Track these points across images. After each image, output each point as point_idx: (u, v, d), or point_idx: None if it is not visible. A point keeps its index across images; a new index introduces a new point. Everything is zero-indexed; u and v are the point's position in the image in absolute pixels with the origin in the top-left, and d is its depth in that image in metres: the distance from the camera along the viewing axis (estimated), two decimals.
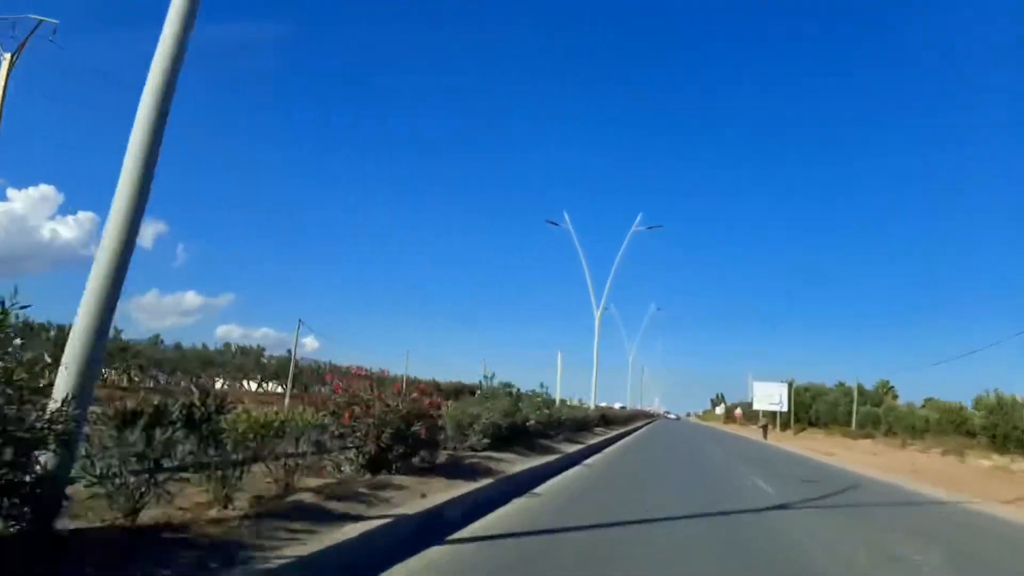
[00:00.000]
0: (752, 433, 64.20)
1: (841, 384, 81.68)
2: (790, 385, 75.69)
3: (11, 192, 73.16)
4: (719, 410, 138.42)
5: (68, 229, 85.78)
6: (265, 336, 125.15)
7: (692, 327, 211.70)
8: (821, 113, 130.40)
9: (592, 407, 34.59)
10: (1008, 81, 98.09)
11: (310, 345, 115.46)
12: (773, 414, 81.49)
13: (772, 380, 75.66)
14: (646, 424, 64.50)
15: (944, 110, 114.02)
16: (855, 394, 63.96)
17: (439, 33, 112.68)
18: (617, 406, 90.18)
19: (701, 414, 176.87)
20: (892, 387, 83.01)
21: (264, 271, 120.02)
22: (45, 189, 78.25)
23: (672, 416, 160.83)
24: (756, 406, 71.89)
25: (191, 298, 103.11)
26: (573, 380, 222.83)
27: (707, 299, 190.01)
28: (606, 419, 34.59)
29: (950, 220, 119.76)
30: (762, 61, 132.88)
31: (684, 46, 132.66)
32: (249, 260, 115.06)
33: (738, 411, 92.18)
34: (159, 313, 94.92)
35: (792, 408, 75.19)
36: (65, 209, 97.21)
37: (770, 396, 70.90)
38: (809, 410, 78.68)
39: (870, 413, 65.31)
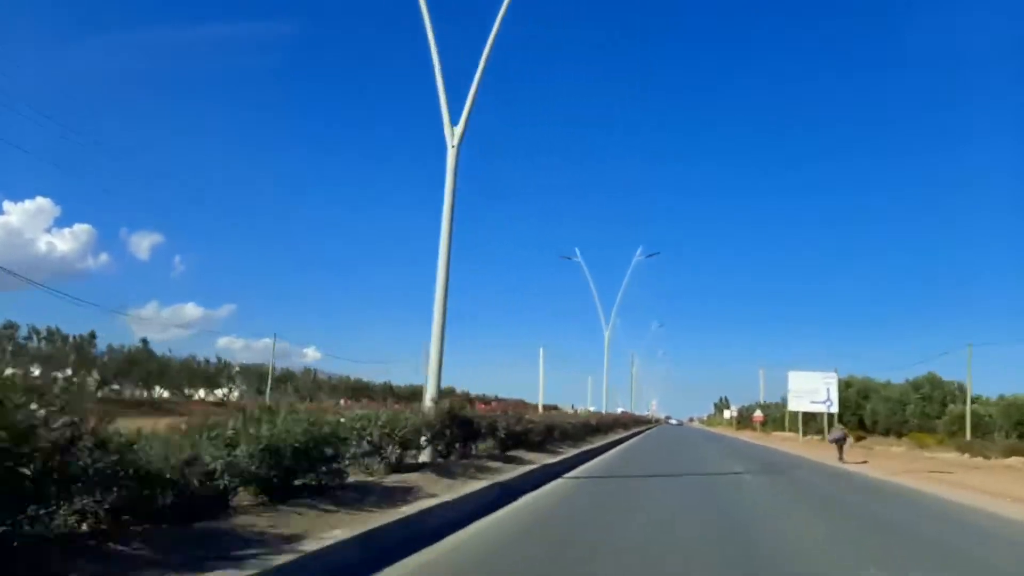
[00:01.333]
0: (791, 446, 41.24)
1: (861, 378, 58.23)
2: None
3: (7, 205, 71.38)
4: (728, 414, 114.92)
5: (64, 242, 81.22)
6: (267, 347, 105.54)
7: (690, 329, 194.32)
8: (819, 112, 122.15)
9: (428, 398, 11.59)
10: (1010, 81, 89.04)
11: (311, 355, 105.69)
12: (814, 416, 59.43)
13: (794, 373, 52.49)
14: (633, 435, 41.39)
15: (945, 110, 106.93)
16: (968, 389, 40.57)
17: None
18: (619, 411, 69.41)
19: (706, 419, 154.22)
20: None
21: (264, 280, 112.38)
22: (41, 201, 73.99)
23: (674, 422, 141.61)
24: (793, 405, 48.75)
25: (191, 310, 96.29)
26: (571, 385, 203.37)
27: (704, 301, 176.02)
28: (460, 426, 11.53)
29: (948, 218, 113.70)
30: (768, 60, 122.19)
31: (683, 45, 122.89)
32: (249, 270, 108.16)
33: (758, 414, 69.05)
34: (159, 325, 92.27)
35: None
36: (62, 222, 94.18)
37: (813, 392, 47.74)
38: (859, 411, 55.80)
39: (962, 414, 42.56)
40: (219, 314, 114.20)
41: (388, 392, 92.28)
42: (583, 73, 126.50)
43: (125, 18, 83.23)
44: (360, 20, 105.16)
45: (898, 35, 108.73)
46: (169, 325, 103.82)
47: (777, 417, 78.73)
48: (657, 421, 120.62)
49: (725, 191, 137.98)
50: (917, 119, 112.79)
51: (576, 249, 41.11)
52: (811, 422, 64.75)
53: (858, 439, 50.00)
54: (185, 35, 74.18)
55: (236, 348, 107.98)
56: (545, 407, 43.97)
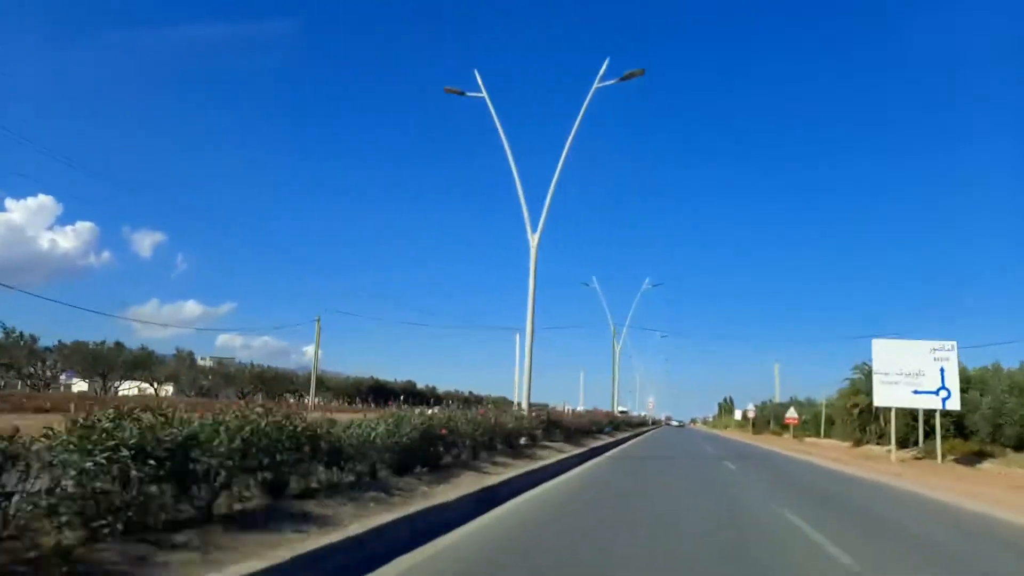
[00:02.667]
0: (908, 473, 20.24)
1: None
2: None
3: (9, 203, 57.75)
4: (740, 414, 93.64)
5: (67, 240, 78.20)
6: (265, 344, 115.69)
7: (690, 329, 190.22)
8: (818, 112, 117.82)
9: None
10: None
11: (311, 353, 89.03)
12: (875, 416, 40.38)
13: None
14: (570, 464, 20.23)
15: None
16: None
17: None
18: (619, 410, 50.69)
19: (712, 420, 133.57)
20: None
21: (265, 280, 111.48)
22: (43, 199, 70.52)
23: (675, 423, 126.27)
24: (882, 397, 27.34)
25: (191, 307, 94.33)
26: (569, 384, 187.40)
27: (703, 301, 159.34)
28: None
29: (948, 218, 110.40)
30: (768, 60, 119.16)
31: (685, 43, 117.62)
32: (251, 269, 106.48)
33: (791, 414, 48.09)
34: (160, 323, 79.91)
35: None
36: (64, 220, 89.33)
37: (915, 374, 26.39)
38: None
39: None
40: (219, 312, 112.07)
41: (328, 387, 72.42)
42: (582, 73, 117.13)
43: (127, 18, 79.62)
44: (366, 24, 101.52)
45: (898, 35, 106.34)
46: (172, 323, 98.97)
47: (808, 419, 57.85)
48: (655, 422, 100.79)
49: (725, 191, 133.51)
50: (917, 119, 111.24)
51: (475, 72, 20.62)
52: (871, 424, 43.87)
53: (976, 454, 29.01)
54: (192, 35, 70.58)
55: (236, 345, 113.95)
56: (534, 406, 32.87)
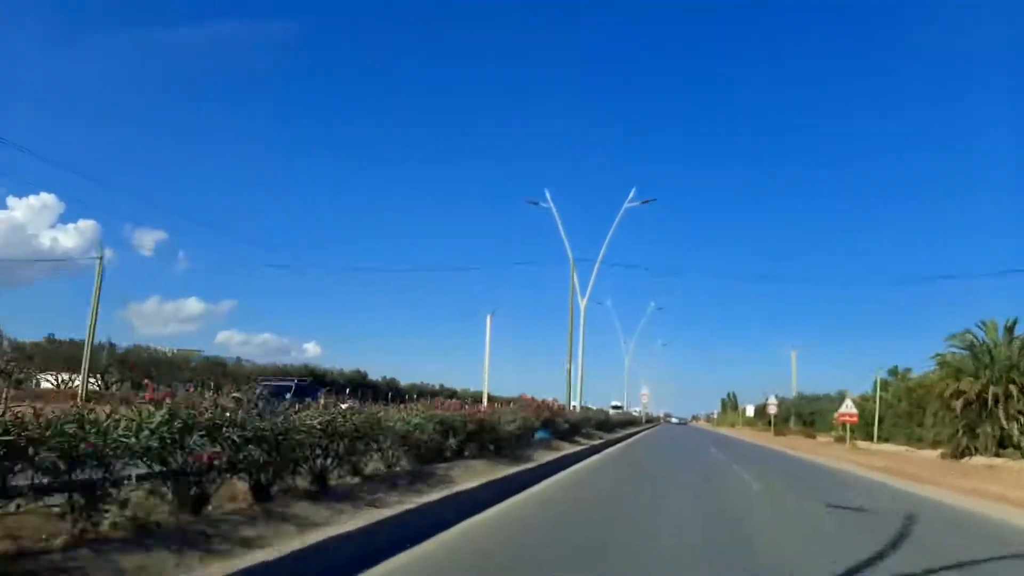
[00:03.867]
0: None
1: None
2: None
3: (11, 200, 67.75)
4: (750, 411, 77.10)
5: (69, 237, 75.49)
6: (266, 342, 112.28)
7: (688, 327, 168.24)
8: (819, 110, 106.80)
9: None
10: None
11: (312, 351, 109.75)
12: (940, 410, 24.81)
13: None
14: None
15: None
16: None
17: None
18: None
19: (716, 418, 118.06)
20: None
21: (265, 278, 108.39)
22: (45, 197, 68.93)
23: (675, 420, 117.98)
24: None
25: (192, 305, 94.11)
26: (561, 379, 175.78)
27: (701, 296, 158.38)
28: None
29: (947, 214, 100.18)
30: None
31: (684, 44, 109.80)
32: (251, 267, 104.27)
33: (848, 408, 31.62)
34: (160, 320, 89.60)
35: None
36: (66, 217, 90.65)
37: None
38: None
39: None
40: (220, 309, 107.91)
41: (228, 375, 57.43)
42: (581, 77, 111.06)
43: (130, 17, 76.70)
44: (369, 22, 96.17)
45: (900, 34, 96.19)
46: (173, 320, 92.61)
47: (870, 417, 41.51)
48: (651, 420, 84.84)
49: (724, 187, 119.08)
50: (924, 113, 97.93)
51: None
52: (984, 425, 27.44)
53: None
54: (196, 33, 70.82)
55: (235, 342, 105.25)
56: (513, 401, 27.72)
